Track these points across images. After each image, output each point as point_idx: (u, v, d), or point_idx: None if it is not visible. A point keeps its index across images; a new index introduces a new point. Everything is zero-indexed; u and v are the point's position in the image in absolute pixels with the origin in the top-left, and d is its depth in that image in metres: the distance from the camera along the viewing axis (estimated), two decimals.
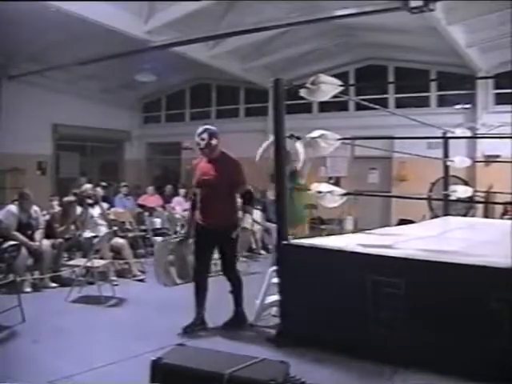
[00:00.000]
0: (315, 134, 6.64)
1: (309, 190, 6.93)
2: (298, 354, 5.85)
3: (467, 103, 17.66)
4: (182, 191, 16.83)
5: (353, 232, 12.62)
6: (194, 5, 12.90)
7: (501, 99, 17.30)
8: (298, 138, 6.74)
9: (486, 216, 14.87)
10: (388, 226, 13.89)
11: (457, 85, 18.73)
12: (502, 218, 14.51)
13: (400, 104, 18.76)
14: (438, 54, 16.62)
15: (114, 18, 13.07)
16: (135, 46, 14.40)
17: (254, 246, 13.93)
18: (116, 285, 9.50)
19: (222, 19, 14.20)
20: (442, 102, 18.47)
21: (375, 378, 5.24)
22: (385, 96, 18.83)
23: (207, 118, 22.54)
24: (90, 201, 11.12)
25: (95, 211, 11.15)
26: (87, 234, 10.64)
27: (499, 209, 15.21)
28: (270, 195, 13.45)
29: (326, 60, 18.43)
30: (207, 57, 16.79)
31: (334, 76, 7.14)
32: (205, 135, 7.17)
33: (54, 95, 18.96)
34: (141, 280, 10.66)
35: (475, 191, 11.58)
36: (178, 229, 14.21)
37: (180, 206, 15.86)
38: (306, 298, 6.26)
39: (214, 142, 7.19)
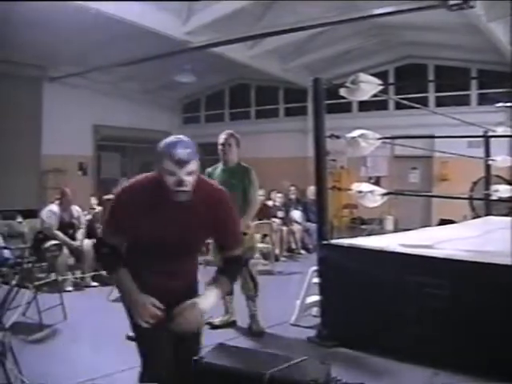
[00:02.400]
0: (355, 133, 6.62)
1: (349, 189, 6.91)
2: (338, 355, 5.85)
3: (509, 101, 17.47)
4: None
5: (393, 232, 12.56)
6: (232, 5, 12.94)
7: None
8: (338, 138, 6.71)
9: None
10: (429, 225, 13.81)
11: (498, 83, 18.54)
12: None
13: (440, 103, 18.64)
14: (478, 52, 16.47)
15: (153, 19, 13.15)
16: (175, 47, 14.48)
17: (293, 246, 13.94)
18: None
19: (260, 19, 14.22)
20: (483, 100, 18.30)
21: (416, 380, 5.20)
22: (425, 95, 18.70)
23: (247, 118, 22.61)
24: None
25: None
26: None
27: None
28: (310, 195, 13.46)
29: (365, 59, 18.35)
30: (246, 57, 16.81)
31: (373, 75, 7.13)
32: None
33: (95, 96, 19.11)
34: None
35: None
36: None
37: None
38: (346, 299, 6.25)
39: None
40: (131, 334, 3.88)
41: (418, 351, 5.48)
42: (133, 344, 5.13)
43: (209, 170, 7.36)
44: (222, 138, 7.19)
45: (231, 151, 7.15)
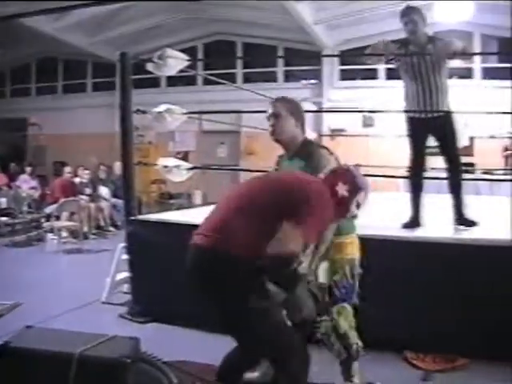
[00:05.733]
0: (161, 108, 6.63)
1: (155, 165, 6.91)
2: (151, 330, 5.86)
3: (313, 78, 18.15)
4: (28, 169, 16.35)
5: (202, 206, 12.73)
6: None
7: (346, 75, 17.96)
8: (145, 113, 6.69)
9: None
10: None
11: (303, 61, 19.20)
12: None
13: (248, 79, 19.02)
14: (285, 31, 16.97)
15: None
16: None
17: (102, 223, 13.78)
18: None
19: None
20: (289, 77, 18.88)
21: (229, 348, 5.31)
22: (233, 71, 19.00)
23: (54, 92, 21.99)
24: None
25: None
26: None
27: None
28: (117, 170, 13.36)
29: (174, 34, 18.33)
30: (52, 29, 16.33)
31: (183, 51, 7.16)
32: None
33: None
34: None
35: None
36: (25, 208, 13.87)
37: (26, 184, 15.43)
38: (156, 274, 6.24)
39: None
40: None
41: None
42: None
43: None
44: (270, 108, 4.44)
45: (285, 126, 4.40)
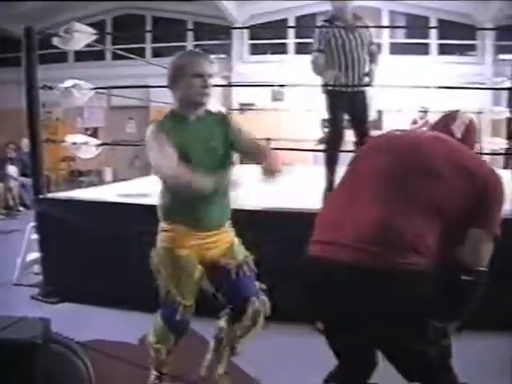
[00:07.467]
0: (68, 83, 6.52)
1: (63, 141, 6.80)
2: (63, 311, 5.79)
3: (223, 53, 18.20)
4: None
5: (112, 182, 12.63)
6: None
7: (256, 50, 18.07)
8: (51, 89, 6.55)
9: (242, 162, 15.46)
10: (148, 175, 14.05)
11: (213, 35, 19.20)
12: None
13: (157, 53, 18.90)
14: (195, 5, 16.95)
15: None
16: None
17: (11, 203, 13.49)
18: None
19: None
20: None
21: (143, 325, 5.29)
22: (142, 45, 18.84)
23: None
24: None
25: None
26: None
27: None
28: (25, 148, 13.08)
29: (84, 8, 18.05)
30: None
31: (91, 25, 7.05)
32: None
33: None
34: None
35: None
36: None
37: None
38: (68, 253, 6.14)
39: None
40: None
41: (142, 299, 5.54)
42: None
43: (156, 127, 3.76)
44: (200, 63, 3.67)
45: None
